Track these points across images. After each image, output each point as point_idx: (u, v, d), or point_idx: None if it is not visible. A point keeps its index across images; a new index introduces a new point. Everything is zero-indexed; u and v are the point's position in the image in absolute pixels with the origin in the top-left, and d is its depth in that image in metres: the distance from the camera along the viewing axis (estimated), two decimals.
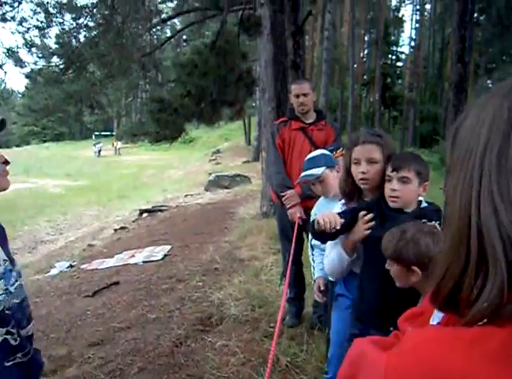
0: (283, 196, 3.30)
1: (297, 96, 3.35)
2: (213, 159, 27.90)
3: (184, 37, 30.88)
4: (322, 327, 3.35)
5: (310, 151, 3.16)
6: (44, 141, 53.97)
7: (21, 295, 1.46)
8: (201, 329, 3.67)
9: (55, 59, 8.85)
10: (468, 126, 0.53)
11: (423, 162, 1.89)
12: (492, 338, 0.46)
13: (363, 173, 1.90)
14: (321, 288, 2.45)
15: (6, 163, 1.47)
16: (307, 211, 3.17)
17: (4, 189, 1.47)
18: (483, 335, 0.47)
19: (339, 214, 1.91)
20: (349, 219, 1.94)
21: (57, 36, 8.51)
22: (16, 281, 1.44)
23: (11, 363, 1.40)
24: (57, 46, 8.61)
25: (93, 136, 44.49)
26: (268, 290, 4.35)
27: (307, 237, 3.50)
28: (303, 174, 2.61)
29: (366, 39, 45.13)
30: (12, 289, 1.40)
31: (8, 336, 1.38)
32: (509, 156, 0.47)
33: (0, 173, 1.44)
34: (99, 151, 37.97)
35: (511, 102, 0.49)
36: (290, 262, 2.58)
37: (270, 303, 3.97)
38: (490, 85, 34.00)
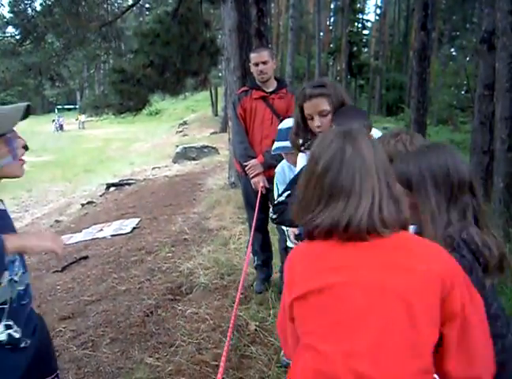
0: (246, 165, 3.34)
1: (256, 65, 3.35)
2: (180, 131, 27.55)
3: (147, 5, 29.97)
4: None
5: (272, 120, 3.18)
6: None
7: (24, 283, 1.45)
8: (172, 298, 3.74)
9: (11, 29, 8.46)
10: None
11: (363, 113, 1.92)
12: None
13: (319, 126, 1.94)
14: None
15: (26, 148, 1.41)
16: (270, 179, 3.23)
17: (17, 177, 1.42)
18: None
19: None
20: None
21: (10, 4, 8.12)
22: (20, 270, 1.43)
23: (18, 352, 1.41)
24: (11, 15, 8.22)
25: (56, 110, 42.97)
26: (236, 258, 4.44)
27: (272, 205, 3.58)
28: (279, 145, 2.60)
29: (332, 6, 44.75)
30: (16, 278, 1.39)
31: (11, 331, 1.37)
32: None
33: (19, 158, 1.39)
34: (61, 125, 36.78)
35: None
36: (253, 230, 2.63)
37: (239, 271, 4.06)
38: (453, 53, 34.47)
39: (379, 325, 0.96)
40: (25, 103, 1.38)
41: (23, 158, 1.41)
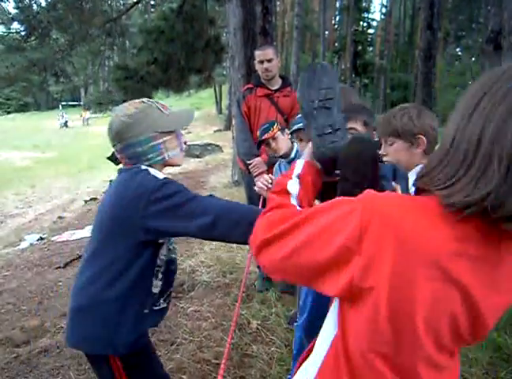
0: (250, 164, 3.32)
1: (261, 62, 3.33)
2: (184, 128, 27.46)
3: (152, 2, 29.97)
4: (292, 290, 3.46)
5: (276, 118, 3.16)
6: (8, 112, 52.05)
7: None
8: (174, 296, 3.72)
9: (16, 25, 8.46)
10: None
11: (370, 112, 1.96)
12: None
13: None
14: None
15: (184, 142, 1.71)
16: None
17: (178, 165, 1.72)
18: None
19: None
20: None
21: (15, 0, 8.12)
22: None
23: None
24: (16, 11, 8.22)
25: (60, 107, 42.97)
26: (239, 256, 4.43)
27: None
28: (297, 126, 2.53)
29: (337, 5, 44.64)
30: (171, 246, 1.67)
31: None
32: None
33: (182, 150, 1.70)
34: (66, 122, 36.82)
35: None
36: None
37: (241, 269, 4.05)
38: (459, 53, 34.32)
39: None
40: (193, 108, 1.69)
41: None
